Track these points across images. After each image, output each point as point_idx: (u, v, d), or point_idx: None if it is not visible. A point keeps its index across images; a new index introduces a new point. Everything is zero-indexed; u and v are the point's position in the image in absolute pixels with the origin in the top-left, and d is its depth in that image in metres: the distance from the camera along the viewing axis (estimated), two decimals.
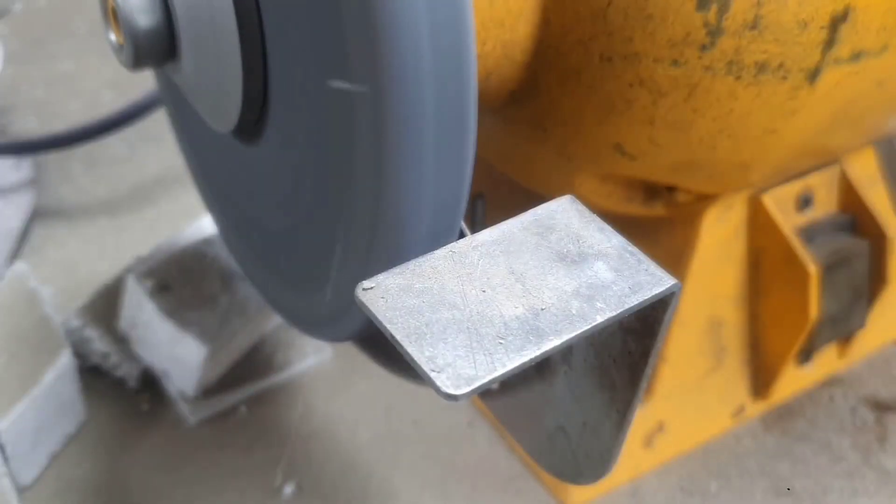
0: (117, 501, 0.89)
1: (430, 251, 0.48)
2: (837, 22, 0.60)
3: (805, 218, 0.87)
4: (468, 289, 0.45)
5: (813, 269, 0.84)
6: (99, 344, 0.99)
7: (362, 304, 0.45)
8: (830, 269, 0.86)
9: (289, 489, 0.90)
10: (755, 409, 0.95)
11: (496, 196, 0.87)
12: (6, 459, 0.85)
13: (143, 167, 1.33)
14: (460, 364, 0.42)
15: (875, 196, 0.90)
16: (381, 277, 0.46)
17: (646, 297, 0.45)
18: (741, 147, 0.67)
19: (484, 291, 0.45)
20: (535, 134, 0.70)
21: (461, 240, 0.49)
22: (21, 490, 0.88)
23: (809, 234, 0.87)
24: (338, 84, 0.48)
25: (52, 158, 1.33)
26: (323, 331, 0.64)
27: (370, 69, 0.45)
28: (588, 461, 0.57)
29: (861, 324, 0.94)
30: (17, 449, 0.86)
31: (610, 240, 0.48)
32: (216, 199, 0.80)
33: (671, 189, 0.76)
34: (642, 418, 0.87)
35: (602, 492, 0.89)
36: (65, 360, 0.91)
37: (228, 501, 0.90)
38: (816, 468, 0.92)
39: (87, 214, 1.27)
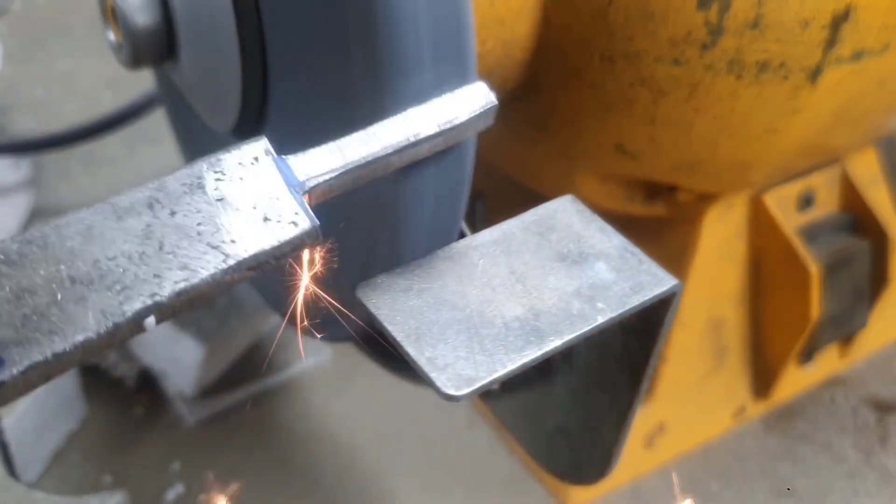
0: None
1: (429, 251, 0.48)
2: (839, 21, 0.59)
3: (806, 218, 0.87)
4: (468, 289, 0.45)
5: (814, 269, 0.84)
6: None
7: (363, 304, 0.45)
8: (832, 269, 0.86)
9: (288, 489, 0.90)
10: (756, 409, 0.95)
11: (496, 196, 0.87)
12: (11, 457, 0.85)
13: (141, 167, 1.33)
14: (460, 364, 0.41)
15: (876, 196, 0.90)
16: (381, 278, 0.46)
17: (647, 298, 0.45)
18: (742, 146, 0.67)
19: (484, 292, 0.45)
20: (536, 133, 0.70)
21: (461, 240, 0.49)
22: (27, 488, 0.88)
23: (810, 233, 0.87)
24: None
25: (51, 158, 1.33)
26: (322, 331, 0.64)
27: (371, 65, 0.45)
28: (589, 462, 0.57)
29: (862, 324, 0.94)
30: (22, 446, 0.86)
31: (611, 240, 0.48)
32: None
33: (672, 189, 0.75)
34: (643, 419, 0.87)
35: (603, 492, 0.89)
36: None
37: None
38: (817, 469, 0.92)
39: None
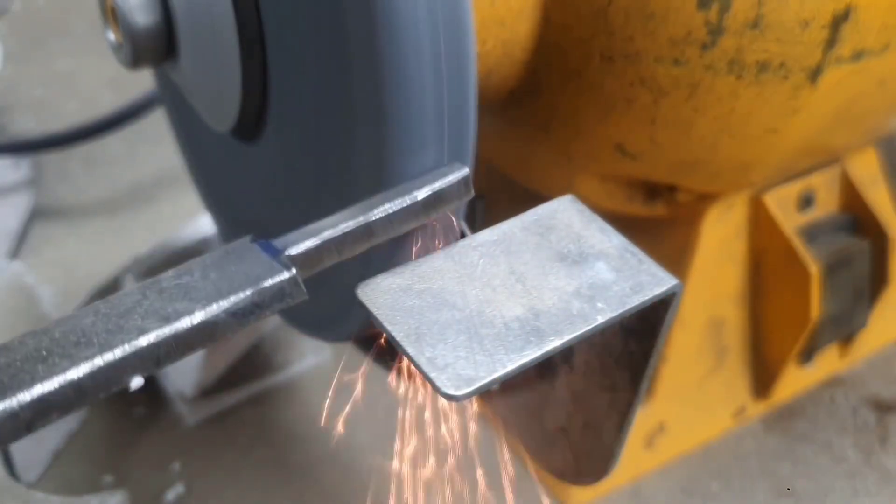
0: None
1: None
2: (839, 21, 0.59)
3: (806, 218, 0.87)
4: (468, 289, 0.45)
5: (814, 269, 0.84)
6: None
7: (362, 304, 0.45)
8: (832, 269, 0.86)
9: (288, 490, 0.90)
10: (756, 409, 0.95)
11: (496, 196, 0.87)
12: (11, 457, 0.85)
13: (141, 167, 1.33)
14: (460, 364, 0.41)
15: (876, 196, 0.90)
16: (381, 277, 0.46)
17: (647, 298, 0.45)
18: (742, 146, 0.67)
19: (484, 292, 0.45)
20: (536, 134, 0.70)
21: (461, 240, 0.49)
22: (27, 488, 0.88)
23: (811, 233, 0.87)
24: None
25: (51, 158, 1.33)
26: (323, 331, 0.64)
27: (371, 64, 0.45)
28: (589, 462, 0.57)
29: (862, 324, 0.94)
30: (22, 446, 0.86)
31: (611, 240, 0.48)
32: (215, 199, 0.80)
33: (672, 189, 0.75)
34: (643, 419, 0.87)
35: (603, 492, 0.88)
36: None
37: (227, 501, 0.89)
38: (817, 469, 0.92)
39: (85, 214, 1.27)
